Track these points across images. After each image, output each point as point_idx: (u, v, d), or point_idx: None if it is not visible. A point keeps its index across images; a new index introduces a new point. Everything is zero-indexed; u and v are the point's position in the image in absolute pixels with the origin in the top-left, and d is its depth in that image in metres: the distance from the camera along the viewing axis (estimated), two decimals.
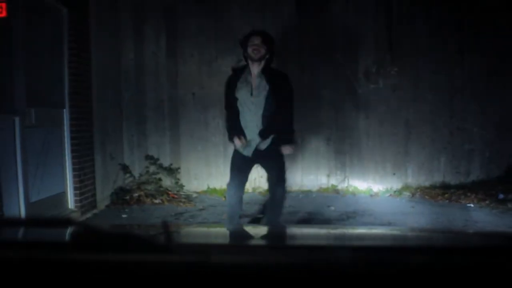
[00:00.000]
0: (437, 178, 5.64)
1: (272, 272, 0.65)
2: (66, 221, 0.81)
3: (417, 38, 5.48)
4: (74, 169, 4.37)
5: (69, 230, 0.79)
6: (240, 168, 3.30)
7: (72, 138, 4.35)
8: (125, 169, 5.46)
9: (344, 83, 5.53)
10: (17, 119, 3.61)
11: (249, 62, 3.21)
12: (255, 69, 3.20)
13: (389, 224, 4.08)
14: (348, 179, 5.62)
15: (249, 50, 3.16)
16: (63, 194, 4.31)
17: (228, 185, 3.36)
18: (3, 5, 3.51)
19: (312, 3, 5.52)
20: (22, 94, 3.69)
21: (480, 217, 4.39)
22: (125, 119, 5.61)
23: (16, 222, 1.10)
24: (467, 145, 5.65)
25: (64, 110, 4.32)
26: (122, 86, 5.56)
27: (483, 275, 0.64)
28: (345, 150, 5.62)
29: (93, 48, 4.73)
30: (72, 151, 4.35)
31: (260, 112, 3.17)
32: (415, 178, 5.62)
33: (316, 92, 5.49)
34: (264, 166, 3.39)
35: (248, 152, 3.23)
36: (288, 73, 3.40)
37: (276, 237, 1.17)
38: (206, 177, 5.64)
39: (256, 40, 3.16)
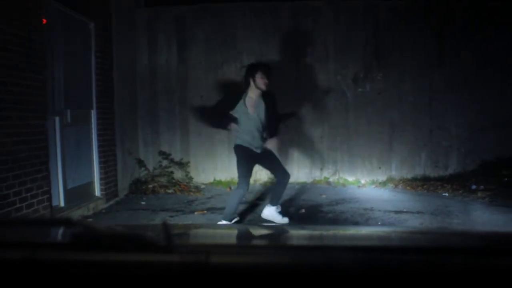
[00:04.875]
0: (418, 172, 6.33)
1: (272, 272, 0.66)
2: (66, 221, 0.80)
3: (401, 47, 6.17)
4: (100, 162, 5.05)
5: (69, 230, 0.77)
6: (252, 165, 4.05)
7: (98, 135, 5.02)
8: (141, 163, 6.14)
9: (336, 87, 6.22)
10: (57, 119, 4.29)
11: (253, 86, 3.99)
12: (257, 93, 4.01)
13: (371, 209, 4.76)
14: (338, 172, 6.32)
15: (260, 83, 3.94)
16: (91, 183, 4.98)
17: (244, 181, 3.93)
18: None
19: (307, 13, 6.20)
20: (61, 97, 4.37)
21: (451, 203, 5.07)
22: (140, 119, 6.30)
23: (16, 222, 1.10)
24: (445, 142, 6.35)
25: (92, 111, 5.00)
26: (138, 89, 6.24)
27: (482, 276, 0.64)
28: (336, 147, 6.31)
29: (114, 56, 5.40)
30: (99, 146, 5.03)
31: (259, 123, 4.04)
32: (398, 171, 6.32)
33: (310, 95, 6.18)
34: (267, 162, 4.15)
35: (258, 150, 4.05)
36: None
37: (276, 237, 1.17)
38: (213, 171, 6.32)
39: (267, 76, 3.95)
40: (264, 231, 1.30)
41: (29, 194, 3.57)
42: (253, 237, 1.17)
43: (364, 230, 1.63)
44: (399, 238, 1.07)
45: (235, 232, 1.30)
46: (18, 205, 3.44)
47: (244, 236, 1.18)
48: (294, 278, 0.65)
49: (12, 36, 3.42)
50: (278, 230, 1.36)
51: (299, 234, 1.20)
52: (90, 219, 4.46)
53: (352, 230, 1.58)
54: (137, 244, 0.69)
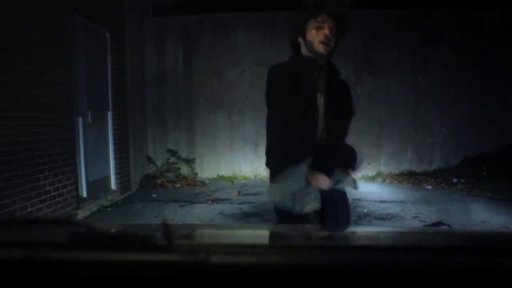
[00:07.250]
0: (405, 167, 6.90)
1: (273, 272, 0.66)
2: (66, 221, 0.81)
3: (389, 53, 6.72)
4: (115, 158, 5.60)
5: (69, 230, 0.77)
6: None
7: (114, 135, 5.57)
8: (150, 160, 6.70)
9: None
10: (80, 120, 4.84)
11: (304, 48, 1.99)
12: (321, 61, 1.97)
13: (359, 199, 5.32)
14: None
15: (314, 38, 1.92)
16: (108, 177, 5.53)
17: None
18: None
19: None
20: (83, 100, 4.91)
21: (432, 195, 5.64)
22: (149, 119, 6.85)
23: (16, 222, 1.10)
24: (430, 140, 6.92)
25: (108, 112, 5.55)
26: (147, 92, 6.80)
27: (484, 276, 0.64)
28: None
29: (126, 62, 5.95)
30: (114, 144, 5.58)
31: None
32: (386, 167, 6.89)
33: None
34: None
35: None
36: None
37: (276, 237, 1.17)
38: (216, 167, 6.88)
39: (327, 26, 1.92)
40: (264, 231, 1.32)
41: (60, 184, 4.12)
42: (253, 237, 1.16)
43: (364, 230, 1.66)
44: (399, 238, 1.07)
45: (235, 232, 1.31)
46: (52, 194, 3.99)
47: (244, 236, 1.17)
48: (294, 278, 0.65)
49: (41, 47, 3.96)
50: (278, 230, 1.37)
51: (300, 234, 1.20)
52: (109, 209, 5.03)
53: (352, 230, 1.58)
54: (137, 243, 0.69)
